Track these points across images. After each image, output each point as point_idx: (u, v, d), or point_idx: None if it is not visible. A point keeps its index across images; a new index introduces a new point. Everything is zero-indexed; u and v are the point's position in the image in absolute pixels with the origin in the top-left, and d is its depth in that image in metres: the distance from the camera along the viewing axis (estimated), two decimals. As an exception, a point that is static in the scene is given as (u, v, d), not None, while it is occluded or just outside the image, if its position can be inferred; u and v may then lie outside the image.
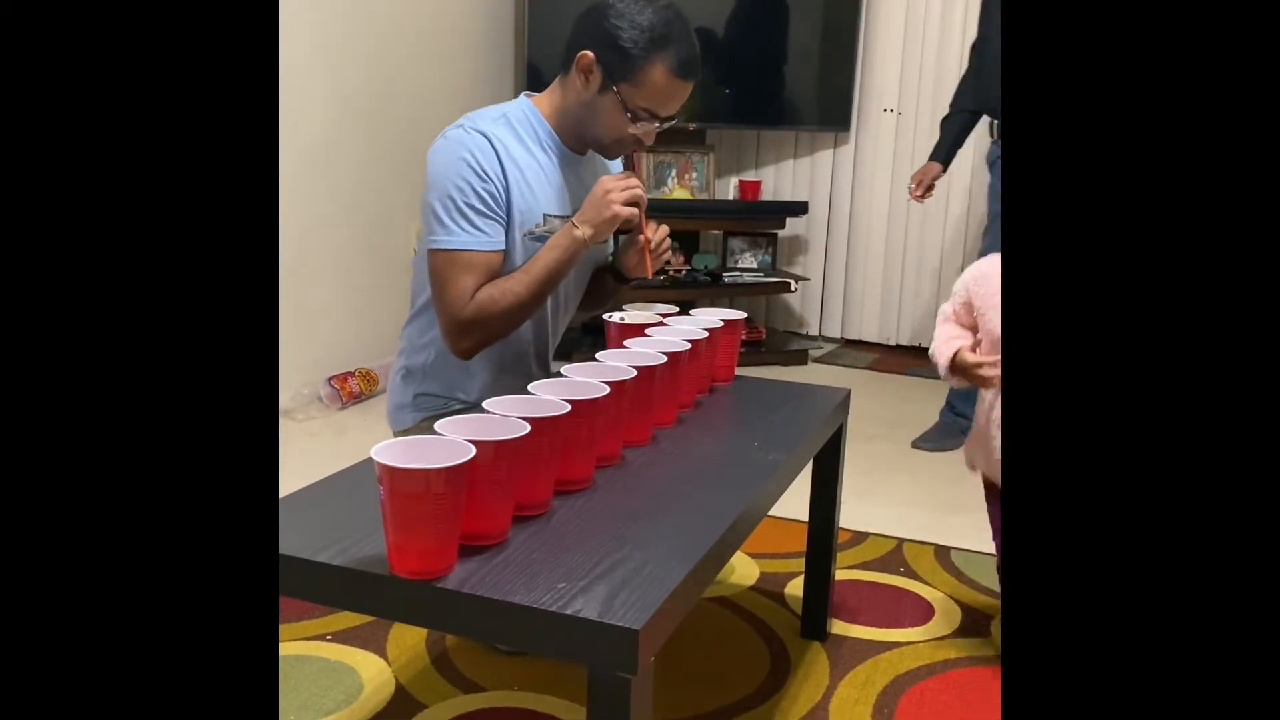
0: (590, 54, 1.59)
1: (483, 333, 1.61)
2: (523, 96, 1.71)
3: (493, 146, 1.59)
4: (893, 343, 4.28)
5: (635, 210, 1.60)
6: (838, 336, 4.39)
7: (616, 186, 1.59)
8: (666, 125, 1.66)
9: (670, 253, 1.75)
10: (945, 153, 3.03)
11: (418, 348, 1.74)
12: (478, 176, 1.57)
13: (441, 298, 1.60)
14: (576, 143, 1.70)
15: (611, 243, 1.89)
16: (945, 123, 3.06)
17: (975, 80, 2.93)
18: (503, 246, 1.61)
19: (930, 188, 3.02)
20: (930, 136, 3.24)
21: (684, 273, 3.97)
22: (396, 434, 1.78)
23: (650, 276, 1.72)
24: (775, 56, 4.04)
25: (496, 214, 1.59)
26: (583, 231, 1.59)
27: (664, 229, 1.73)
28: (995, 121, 2.87)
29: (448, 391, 1.73)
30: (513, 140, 1.63)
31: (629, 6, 1.58)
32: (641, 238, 1.70)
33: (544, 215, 1.65)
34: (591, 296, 1.88)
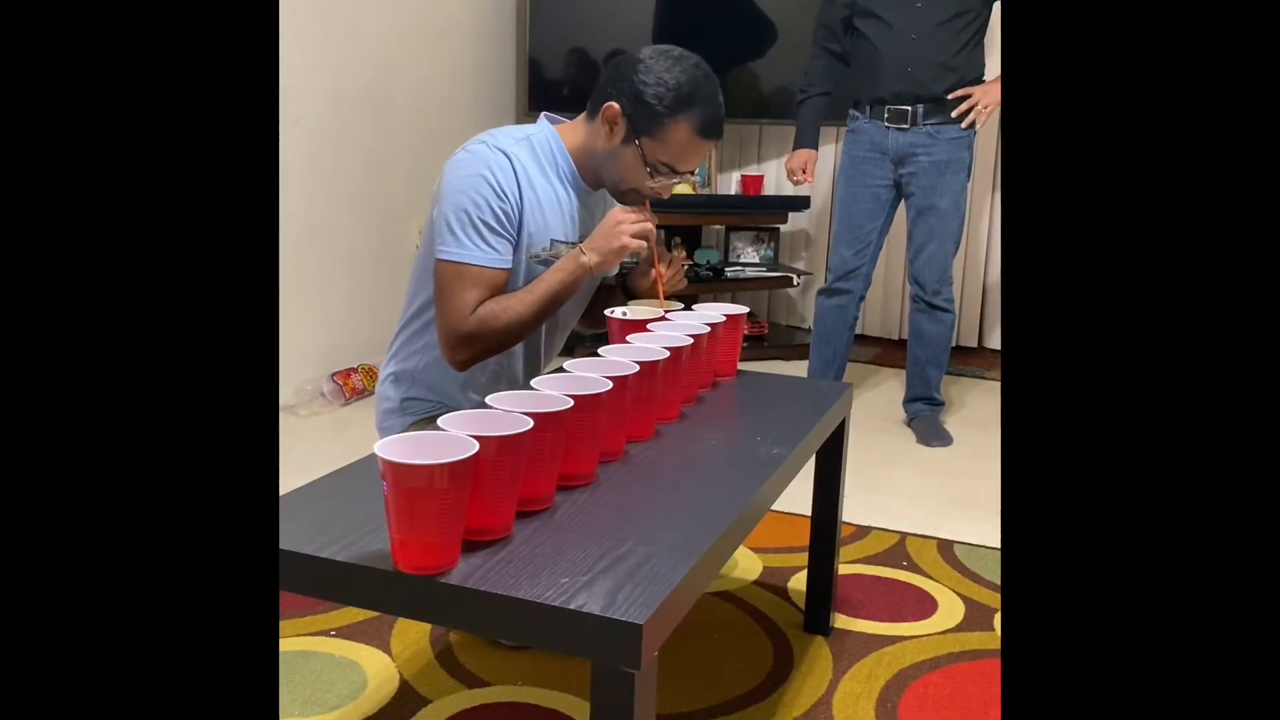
0: (617, 106, 1.61)
1: (481, 346, 1.62)
2: (544, 121, 1.72)
3: (513, 167, 1.61)
4: (895, 337, 4.28)
5: (643, 243, 1.62)
6: (840, 331, 4.39)
7: (628, 219, 1.61)
8: (684, 180, 1.69)
9: (683, 282, 1.78)
10: (813, 137, 3.09)
11: (410, 353, 1.75)
12: (495, 194, 1.59)
13: (443, 308, 1.61)
14: (593, 180, 1.72)
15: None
16: (803, 106, 3.09)
17: (832, 64, 3.02)
18: (509, 265, 1.63)
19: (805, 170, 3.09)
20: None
21: (686, 268, 3.97)
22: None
23: (662, 305, 1.73)
24: (777, 51, 4.03)
25: (508, 233, 1.61)
26: (589, 259, 1.61)
27: (677, 262, 1.75)
28: (866, 103, 2.92)
29: (436, 397, 1.74)
30: (532, 164, 1.65)
31: (658, 63, 1.60)
32: (654, 272, 1.72)
33: (551, 240, 1.67)
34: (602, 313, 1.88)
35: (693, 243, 4.13)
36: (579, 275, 1.62)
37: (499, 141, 1.63)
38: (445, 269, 1.60)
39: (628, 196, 1.70)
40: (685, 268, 1.78)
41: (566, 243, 1.68)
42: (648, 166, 1.63)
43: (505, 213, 1.60)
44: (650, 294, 1.77)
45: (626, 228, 1.60)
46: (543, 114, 1.75)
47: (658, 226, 1.69)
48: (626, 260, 1.71)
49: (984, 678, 1.70)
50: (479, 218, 1.58)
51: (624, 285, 1.84)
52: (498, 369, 1.74)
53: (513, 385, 1.76)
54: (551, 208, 1.67)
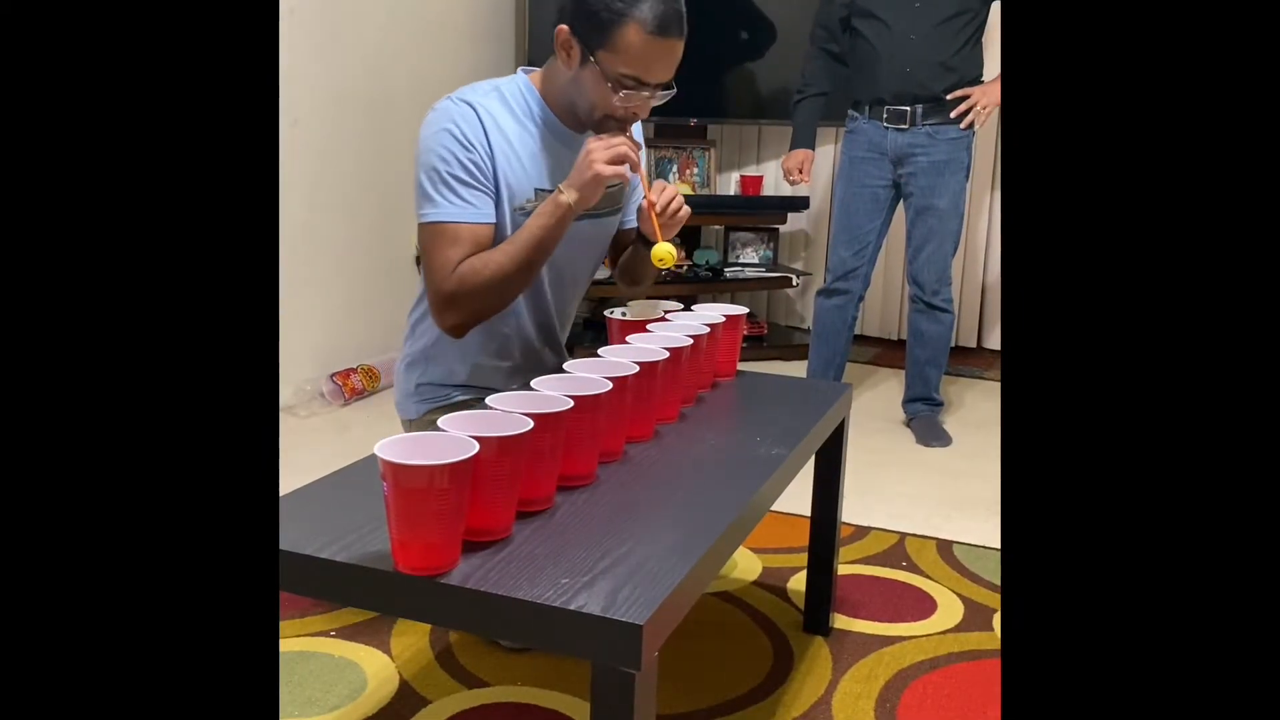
0: (565, 28, 1.53)
1: (467, 306, 1.55)
2: (519, 71, 1.66)
3: (479, 117, 1.55)
4: (895, 338, 4.28)
5: (620, 169, 1.50)
6: (839, 331, 4.39)
7: (599, 145, 1.50)
8: (663, 96, 1.56)
9: (687, 213, 1.64)
10: (809, 137, 3.10)
11: (420, 333, 1.73)
12: (462, 146, 1.53)
13: (427, 272, 1.56)
14: (573, 121, 1.64)
15: (634, 215, 1.83)
16: (799, 106, 3.10)
17: (829, 64, 3.04)
18: (491, 219, 1.56)
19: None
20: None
21: (685, 268, 3.97)
22: (404, 423, 1.78)
23: (660, 239, 1.58)
24: (776, 51, 4.03)
25: (483, 185, 1.55)
26: (568, 196, 1.51)
27: (670, 188, 1.62)
28: (866, 104, 2.92)
29: (447, 378, 1.72)
30: (504, 112, 1.59)
31: None
32: (644, 201, 1.61)
33: (535, 190, 1.60)
34: (635, 268, 1.81)
35: (692, 243, 4.13)
36: (561, 215, 1.52)
37: (465, 95, 1.57)
38: (424, 232, 1.55)
39: (604, 125, 1.59)
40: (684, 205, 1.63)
41: (551, 192, 1.59)
42: (609, 82, 1.51)
43: (475, 163, 1.54)
44: (650, 233, 1.63)
45: (598, 154, 1.49)
46: (519, 68, 1.68)
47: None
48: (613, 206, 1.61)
49: (983, 678, 1.70)
50: (448, 173, 1.53)
51: (641, 235, 1.73)
52: (507, 334, 1.69)
53: (527, 350, 1.73)
54: (530, 155, 1.60)
